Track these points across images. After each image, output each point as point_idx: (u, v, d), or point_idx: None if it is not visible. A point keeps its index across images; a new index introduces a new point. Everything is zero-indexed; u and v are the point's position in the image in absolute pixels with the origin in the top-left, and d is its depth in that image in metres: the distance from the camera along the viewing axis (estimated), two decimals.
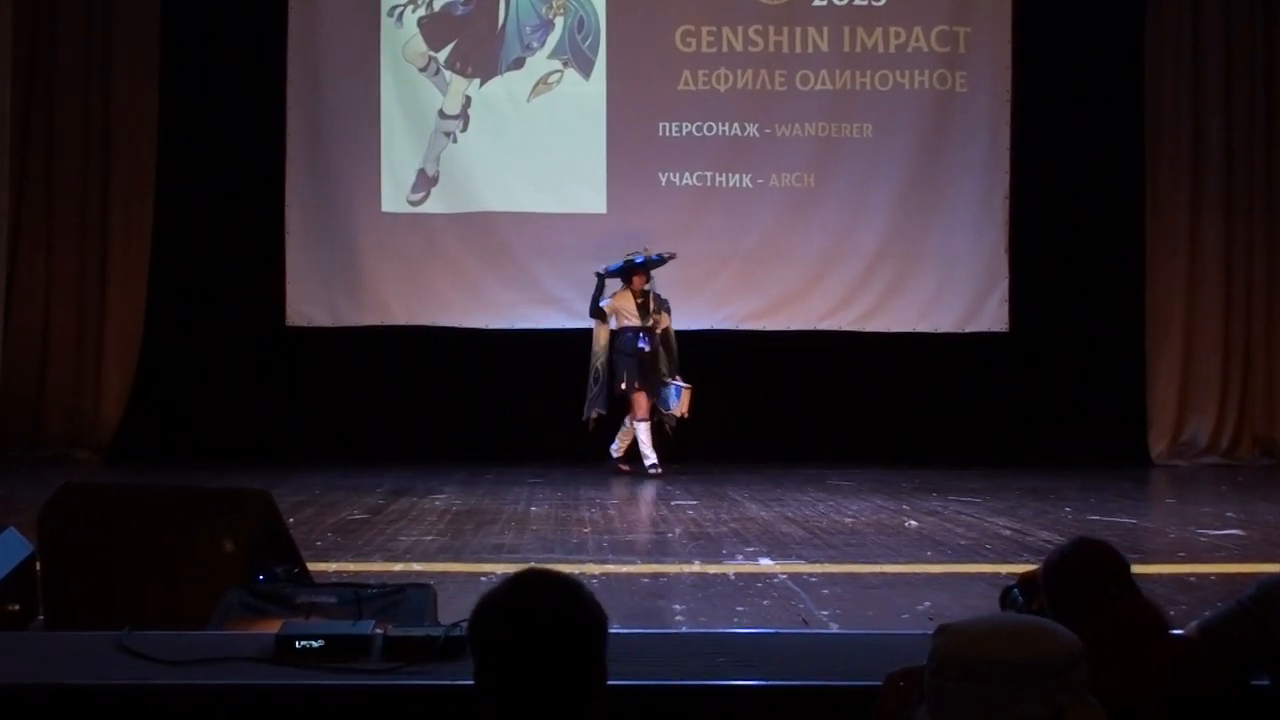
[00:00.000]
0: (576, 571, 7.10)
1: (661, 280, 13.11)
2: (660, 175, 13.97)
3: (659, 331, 12.81)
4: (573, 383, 13.25)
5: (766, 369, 13.83)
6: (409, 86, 13.97)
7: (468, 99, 13.97)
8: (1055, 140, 14.02)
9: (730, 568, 7.42)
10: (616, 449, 12.93)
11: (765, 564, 7.54)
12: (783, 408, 13.83)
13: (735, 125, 13.99)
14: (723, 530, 8.98)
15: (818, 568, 7.41)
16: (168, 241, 13.79)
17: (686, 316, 13.42)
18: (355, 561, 7.48)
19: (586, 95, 13.99)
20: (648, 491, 11.42)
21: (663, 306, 12.89)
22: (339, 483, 11.52)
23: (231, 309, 13.75)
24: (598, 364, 12.89)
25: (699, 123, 13.98)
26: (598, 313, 12.90)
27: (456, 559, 7.65)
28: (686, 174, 13.98)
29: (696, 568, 7.45)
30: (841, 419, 13.87)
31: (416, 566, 7.34)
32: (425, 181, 13.92)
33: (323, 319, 13.85)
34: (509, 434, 13.75)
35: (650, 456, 12.56)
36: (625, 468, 12.72)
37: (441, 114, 13.94)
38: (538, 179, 13.91)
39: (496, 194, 13.90)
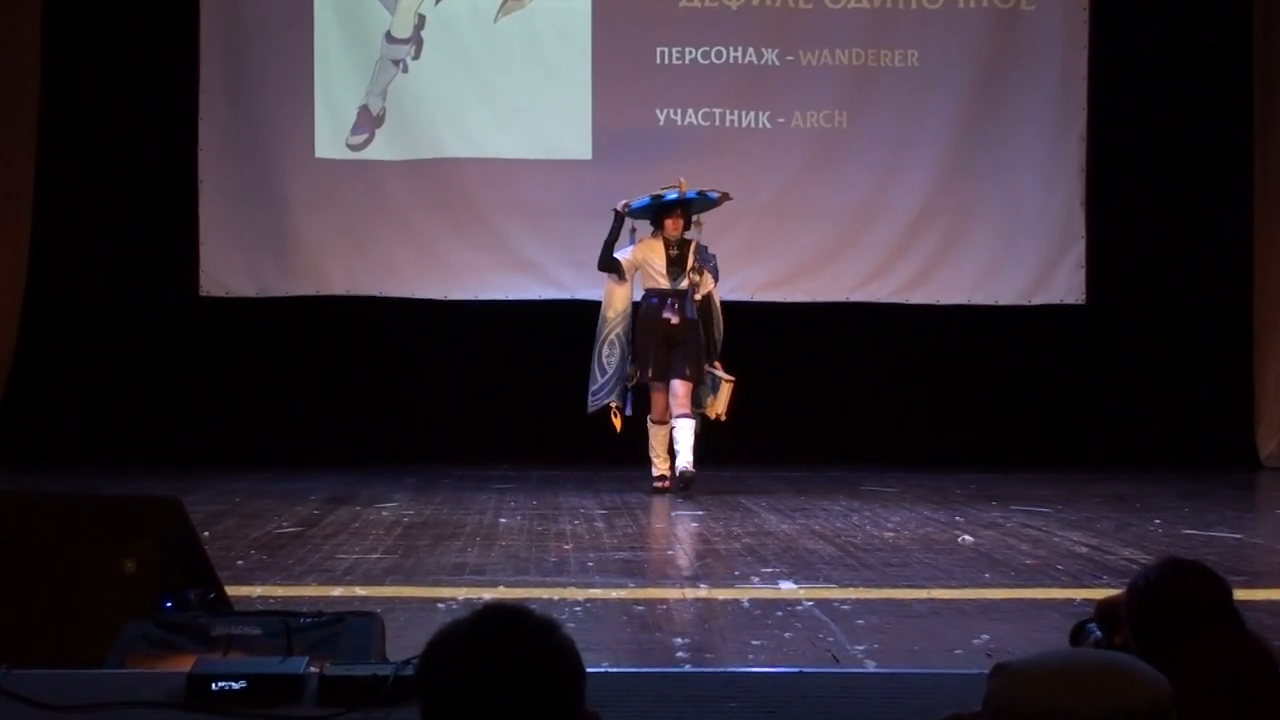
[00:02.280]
0: (556, 597, 7.11)
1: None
2: (658, 113, 13.96)
3: (697, 298, 11.75)
4: (552, 365, 13.24)
5: (787, 350, 13.82)
6: (348, 4, 13.94)
7: (421, 19, 13.95)
8: (1143, 69, 14.01)
9: (744, 592, 7.42)
10: (658, 471, 11.82)
11: (787, 588, 7.54)
12: (807, 397, 13.84)
13: (750, 51, 13.98)
14: (735, 547, 8.98)
15: (851, 593, 7.41)
16: (53, 197, 13.76)
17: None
18: (284, 585, 7.47)
19: (567, 13, 13.98)
20: (643, 500, 11.41)
21: (706, 264, 11.82)
22: (265, 488, 11.51)
23: (132, 277, 13.75)
24: (611, 334, 11.94)
25: (706, 48, 13.96)
26: (610, 264, 11.84)
27: (408, 581, 7.64)
28: (690, 111, 13.97)
29: (703, 592, 7.45)
30: (880, 411, 13.89)
31: (360, 590, 7.33)
32: (369, 121, 13.90)
33: (244, 288, 13.84)
34: (473, 429, 13.76)
35: (658, 466, 11.82)
36: (665, 485, 11.75)
37: (389, 38, 13.92)
38: (507, 117, 13.89)
39: (457, 136, 13.88)
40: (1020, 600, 7.26)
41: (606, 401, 11.91)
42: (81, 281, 13.75)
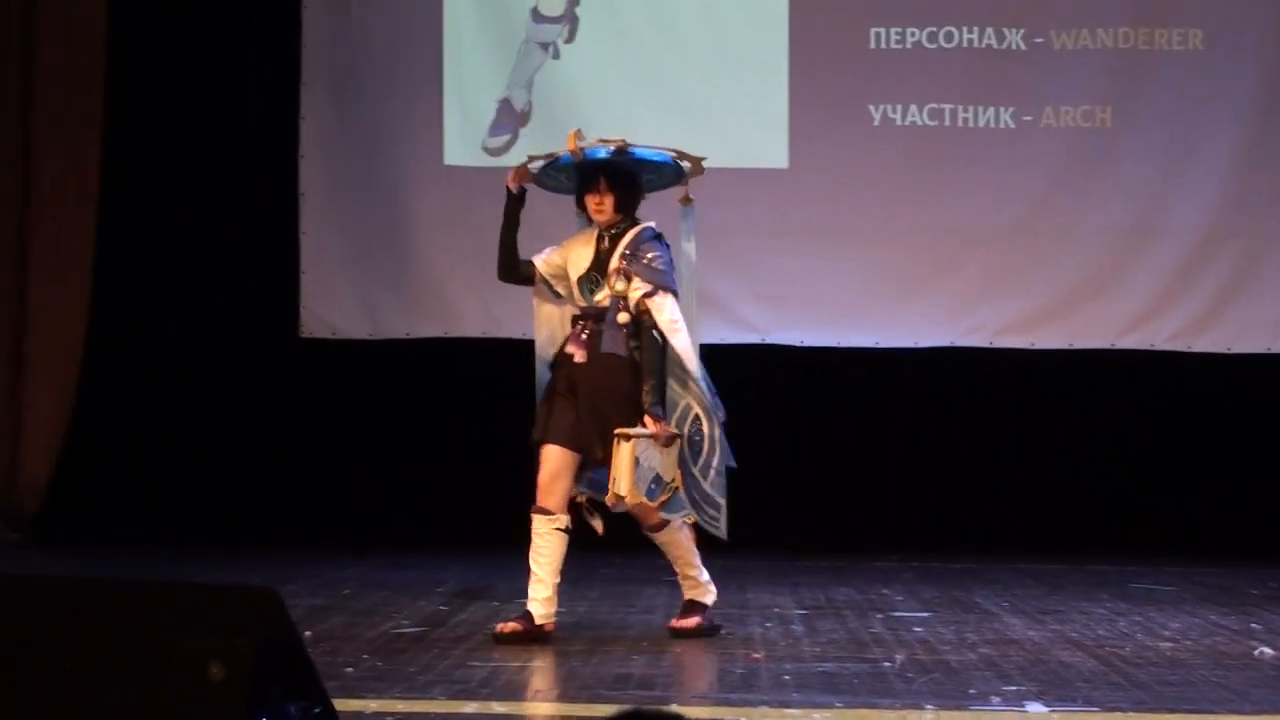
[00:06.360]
0: (742, 719, 7.12)
1: (847, 272, 12.89)
2: (872, 109, 13.95)
3: (620, 320, 9.26)
4: (762, 419, 13.24)
5: (1036, 409, 13.75)
6: None
7: None
8: None
9: (981, 716, 7.40)
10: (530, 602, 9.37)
11: (1035, 711, 7.51)
12: (1061, 469, 13.75)
13: (989, 31, 13.95)
14: (969, 658, 8.95)
15: (1118, 718, 7.36)
16: (119, 214, 13.97)
17: (902, 328, 13.36)
18: (405, 698, 7.53)
19: None
20: (851, 599, 11.38)
21: (635, 263, 9.27)
22: (381, 578, 11.65)
23: (215, 314, 13.93)
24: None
25: (933, 28, 13.94)
26: (511, 272, 9.81)
27: (562, 695, 7.67)
28: (913, 107, 13.95)
29: (929, 716, 7.43)
30: (1154, 487, 13.77)
31: (498, 707, 7.38)
32: (511, 118, 14.02)
33: (356, 329, 13.98)
34: None
35: (533, 589, 9.38)
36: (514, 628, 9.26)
37: (536, 15, 14.04)
38: (681, 115, 13.90)
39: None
40: None
41: (580, 494, 9.56)
42: (154, 321, 13.93)
